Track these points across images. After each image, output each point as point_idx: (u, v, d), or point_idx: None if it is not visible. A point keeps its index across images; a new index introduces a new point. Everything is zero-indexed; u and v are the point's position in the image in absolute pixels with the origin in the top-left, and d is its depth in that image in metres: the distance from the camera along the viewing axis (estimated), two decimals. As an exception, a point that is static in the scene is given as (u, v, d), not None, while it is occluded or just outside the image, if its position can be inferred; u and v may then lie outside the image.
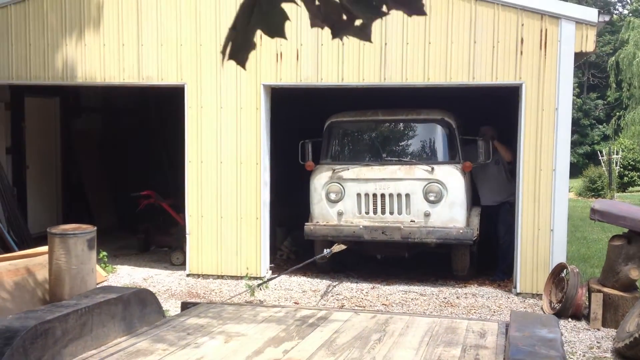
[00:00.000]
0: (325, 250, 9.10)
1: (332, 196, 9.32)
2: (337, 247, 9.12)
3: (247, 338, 4.67)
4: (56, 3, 10.02)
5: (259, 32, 2.04)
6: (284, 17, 2.00)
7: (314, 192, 9.48)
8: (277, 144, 10.20)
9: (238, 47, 1.99)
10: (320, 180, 9.43)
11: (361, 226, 9.05)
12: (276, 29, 2.00)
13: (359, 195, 9.23)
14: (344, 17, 1.98)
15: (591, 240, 13.14)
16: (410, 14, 2.02)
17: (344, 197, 9.28)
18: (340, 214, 9.28)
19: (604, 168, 26.89)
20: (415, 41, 8.97)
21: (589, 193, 24.95)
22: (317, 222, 9.40)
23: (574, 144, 42.31)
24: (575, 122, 42.39)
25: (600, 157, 28.90)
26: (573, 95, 31.26)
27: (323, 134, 9.85)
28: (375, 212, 9.17)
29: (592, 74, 45.36)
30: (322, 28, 2.03)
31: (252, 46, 2.00)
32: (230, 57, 2.01)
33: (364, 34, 2.04)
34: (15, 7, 10.15)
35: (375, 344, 4.57)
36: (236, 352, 4.35)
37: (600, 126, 44.43)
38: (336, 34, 2.03)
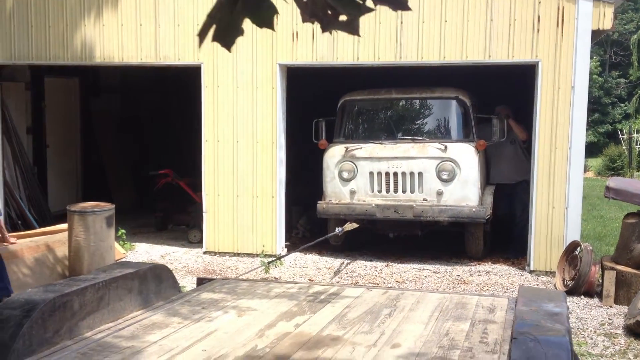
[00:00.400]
0: (337, 228, 9.14)
1: (345, 174, 9.36)
2: (349, 226, 9.15)
3: (259, 312, 4.76)
4: (75, -17, 10.12)
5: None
6: (274, 10, 2.09)
7: (326, 171, 9.52)
8: (294, 123, 10.24)
9: (223, 30, 2.06)
10: (333, 159, 9.46)
11: (373, 205, 9.08)
12: (266, 21, 2.08)
13: (371, 173, 9.25)
14: (329, 12, 2.05)
15: (608, 218, 13.12)
16: (395, 9, 2.09)
17: (357, 175, 9.30)
18: (352, 192, 9.31)
19: (624, 147, 26.68)
20: (431, 19, 8.95)
21: (608, 172, 24.79)
22: (330, 200, 9.45)
23: (595, 123, 41.91)
24: (596, 101, 42.01)
25: (620, 136, 28.66)
26: (595, 73, 30.63)
27: (337, 113, 9.85)
28: (387, 190, 9.19)
29: (614, 52, 44.74)
30: (313, 23, 2.10)
31: (240, 32, 2.08)
32: (215, 39, 2.08)
33: (352, 27, 2.11)
34: (34, -13, 10.27)
35: (386, 318, 4.64)
36: (249, 326, 4.44)
37: (621, 105, 43.92)
38: (325, 28, 2.10)
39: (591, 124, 41.51)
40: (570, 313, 7.18)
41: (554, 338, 3.40)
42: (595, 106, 41.99)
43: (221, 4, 2.06)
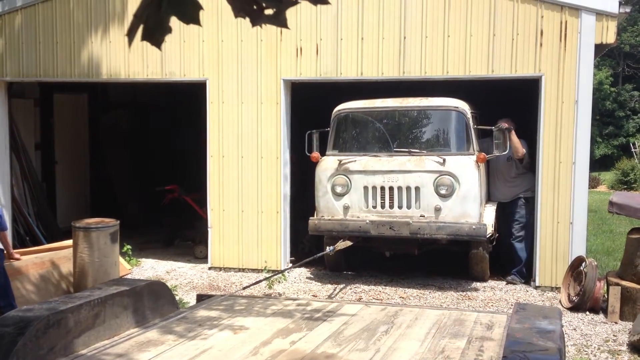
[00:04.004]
0: (327, 247, 8.80)
1: (338, 189, 8.92)
2: (342, 244, 8.79)
3: (256, 330, 4.75)
4: (82, 1, 10.23)
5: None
6: (198, 6, 2.15)
7: (319, 185, 9.10)
8: (299, 137, 10.23)
9: (151, 30, 2.11)
10: (326, 172, 9.03)
11: (368, 221, 8.61)
12: (191, 17, 2.13)
13: (366, 188, 8.80)
14: (255, 7, 2.10)
15: (617, 233, 13.00)
16: (315, 3, 2.14)
17: (350, 190, 8.86)
18: (346, 208, 8.87)
19: (636, 160, 26.49)
20: (434, 34, 8.97)
21: (621, 186, 24.59)
22: (322, 216, 9.02)
23: (609, 136, 41.65)
24: (610, 114, 41.76)
25: (633, 149, 28.47)
26: (606, 84, 30.43)
27: (330, 124, 9.45)
28: (383, 206, 8.73)
29: (627, 64, 44.49)
30: (244, 18, 2.16)
31: (168, 30, 2.14)
32: (144, 39, 2.13)
33: (279, 21, 2.17)
34: (42, 5, 10.39)
35: (382, 335, 4.62)
36: (244, 343, 4.44)
37: (635, 117, 43.63)
38: (254, 22, 2.16)
39: (605, 137, 41.26)
40: (574, 329, 7.12)
41: (544, 357, 3.37)
42: (609, 119, 41.75)
43: (147, 3, 2.11)
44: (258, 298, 6.10)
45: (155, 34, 2.15)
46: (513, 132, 9.09)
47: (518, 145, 9.13)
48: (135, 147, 14.43)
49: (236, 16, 2.22)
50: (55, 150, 12.71)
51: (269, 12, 2.17)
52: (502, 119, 9.11)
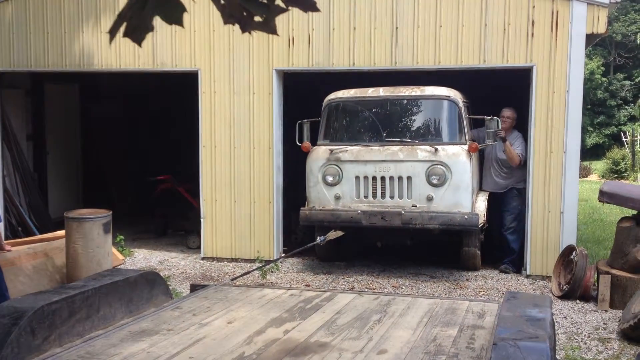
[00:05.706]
0: (318, 237, 8.60)
1: (329, 179, 8.86)
2: (333, 234, 8.53)
3: (249, 319, 4.77)
4: (73, -10, 10.20)
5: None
6: (182, 8, 2.20)
7: (310, 175, 9.04)
8: (292, 127, 10.22)
9: (134, 27, 2.15)
10: (317, 162, 8.97)
11: (359, 211, 8.59)
12: (174, 19, 2.17)
13: (357, 178, 8.76)
14: (245, 14, 2.12)
15: (607, 222, 13.09)
16: (305, 10, 2.17)
17: (342, 179, 8.81)
18: (337, 198, 8.82)
19: (627, 149, 26.61)
20: (426, 24, 8.99)
21: (612, 175, 24.72)
22: (314, 206, 8.98)
23: (601, 125, 41.79)
24: (601, 103, 41.87)
25: (624, 139, 28.58)
26: (598, 73, 30.50)
27: (321, 113, 9.38)
28: (374, 196, 8.68)
29: (618, 53, 44.57)
30: (233, 24, 2.18)
31: (150, 28, 2.18)
32: (126, 35, 2.17)
33: (269, 27, 2.20)
34: (33, -5, 10.35)
35: (375, 324, 4.66)
36: (238, 332, 4.46)
37: (627, 107, 43.77)
38: (243, 29, 2.18)
39: (596, 126, 41.40)
40: (565, 317, 7.19)
41: (534, 344, 3.41)
42: (600, 108, 41.88)
43: (131, 4, 2.15)
44: (252, 287, 6.13)
45: (137, 31, 2.19)
46: (507, 143, 9.04)
47: (514, 155, 9.07)
48: (127, 138, 14.39)
49: (225, 22, 2.24)
50: (47, 140, 12.67)
51: (257, 19, 2.19)
52: (505, 108, 9.09)
